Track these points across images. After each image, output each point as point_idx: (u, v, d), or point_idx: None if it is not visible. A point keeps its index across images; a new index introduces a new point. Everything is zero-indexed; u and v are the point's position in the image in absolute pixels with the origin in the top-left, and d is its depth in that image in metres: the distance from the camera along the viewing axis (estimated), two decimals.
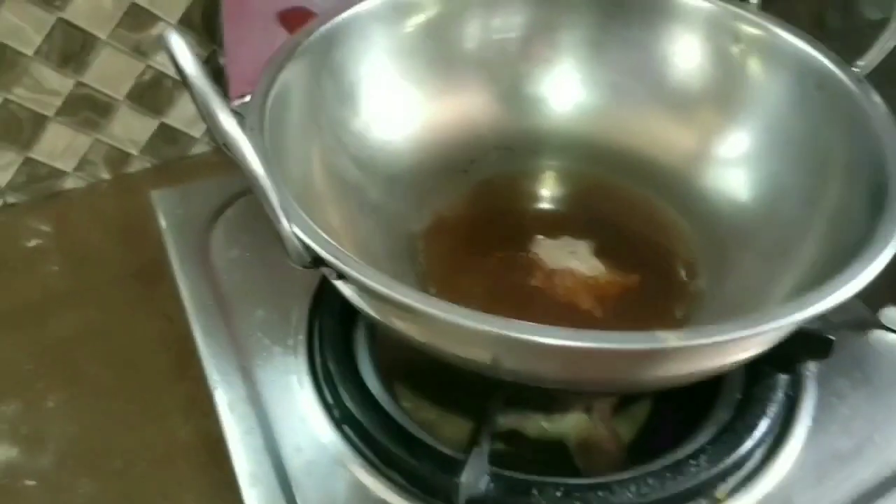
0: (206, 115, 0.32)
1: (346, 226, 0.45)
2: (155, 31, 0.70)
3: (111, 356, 0.61)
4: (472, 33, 0.53)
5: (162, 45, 0.31)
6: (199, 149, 0.77)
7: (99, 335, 0.62)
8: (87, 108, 0.70)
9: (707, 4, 0.51)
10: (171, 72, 0.73)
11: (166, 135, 0.74)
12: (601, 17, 0.53)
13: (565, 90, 0.54)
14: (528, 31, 0.53)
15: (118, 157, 0.74)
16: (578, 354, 0.33)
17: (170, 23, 0.70)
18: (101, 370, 0.60)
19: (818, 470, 0.43)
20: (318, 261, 0.36)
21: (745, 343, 0.36)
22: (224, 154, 0.82)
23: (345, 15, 0.47)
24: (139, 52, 0.69)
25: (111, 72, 0.70)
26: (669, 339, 0.33)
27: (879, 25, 0.47)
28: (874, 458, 0.44)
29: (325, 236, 0.35)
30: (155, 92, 0.72)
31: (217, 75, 0.72)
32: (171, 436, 0.56)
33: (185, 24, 0.71)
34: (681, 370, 0.37)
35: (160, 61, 0.71)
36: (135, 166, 0.75)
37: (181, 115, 0.75)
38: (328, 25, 0.46)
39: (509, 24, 0.53)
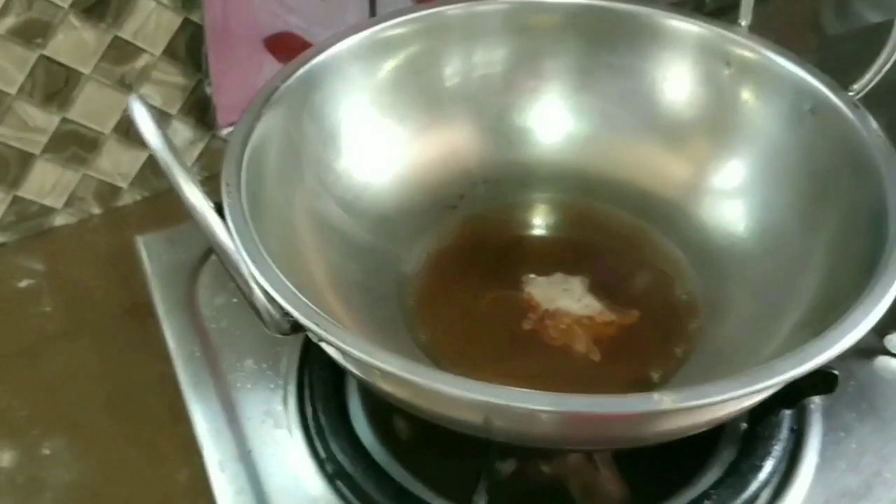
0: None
1: (332, 273, 0.44)
2: (139, 63, 0.69)
3: (107, 398, 0.60)
4: (454, 68, 0.51)
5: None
6: None
7: (94, 377, 0.61)
8: (74, 144, 0.69)
9: (696, 28, 0.49)
10: (158, 103, 0.72)
11: (155, 166, 0.73)
12: (586, 43, 0.51)
13: (553, 120, 0.53)
14: (511, 62, 0.52)
15: (108, 192, 0.73)
16: (569, 419, 0.32)
17: (154, 54, 0.69)
18: (97, 414, 0.59)
19: None
20: (297, 326, 0.35)
21: (744, 399, 0.35)
22: (217, 184, 0.81)
23: (322, 56, 0.46)
24: (124, 84, 0.69)
25: (97, 106, 0.69)
26: (664, 401, 0.31)
27: (879, 30, 0.45)
28: (883, 495, 0.43)
29: (305, 300, 0.34)
30: None
31: (204, 104, 0.71)
32: (170, 480, 0.55)
33: (170, 55, 0.70)
34: (679, 426, 0.36)
35: (145, 93, 0.70)
36: (125, 199, 0.74)
37: None
38: (306, 68, 0.45)
39: (491, 57, 0.51)
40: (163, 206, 0.74)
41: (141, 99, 0.31)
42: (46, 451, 0.56)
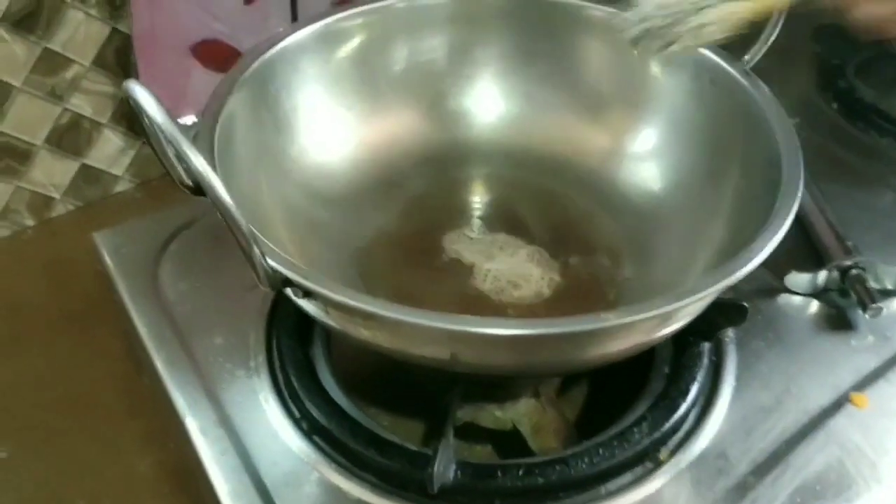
0: (177, 157, 0.35)
1: (297, 247, 0.48)
2: (69, 73, 0.70)
3: (60, 401, 0.61)
4: (398, 57, 0.56)
5: (127, 96, 0.34)
6: (122, 186, 0.77)
7: (44, 382, 0.62)
8: (7, 156, 0.69)
9: (605, 14, 0.55)
10: (89, 113, 0.73)
11: (88, 175, 0.75)
12: (513, 32, 0.57)
13: (486, 103, 0.58)
14: (448, 50, 0.57)
15: (41, 203, 0.73)
16: (533, 341, 0.37)
17: (83, 65, 0.71)
18: (51, 416, 0.60)
19: (746, 423, 0.48)
20: (286, 282, 0.38)
21: (675, 314, 0.40)
22: (148, 190, 0.83)
23: (276, 49, 0.50)
24: (55, 95, 0.70)
25: (28, 118, 0.69)
26: (610, 318, 0.37)
27: None
28: (793, 407, 0.49)
29: (293, 260, 0.38)
30: (73, 134, 0.72)
31: (134, 113, 0.73)
32: (132, 472, 0.57)
33: (99, 65, 0.71)
34: (622, 345, 0.41)
35: (76, 103, 0.72)
36: (58, 210, 0.75)
37: (101, 154, 0.75)
38: (261, 60, 0.49)
39: (431, 46, 0.56)
40: (96, 215, 0.75)
41: (136, 81, 0.34)
42: (3, 455, 0.57)
